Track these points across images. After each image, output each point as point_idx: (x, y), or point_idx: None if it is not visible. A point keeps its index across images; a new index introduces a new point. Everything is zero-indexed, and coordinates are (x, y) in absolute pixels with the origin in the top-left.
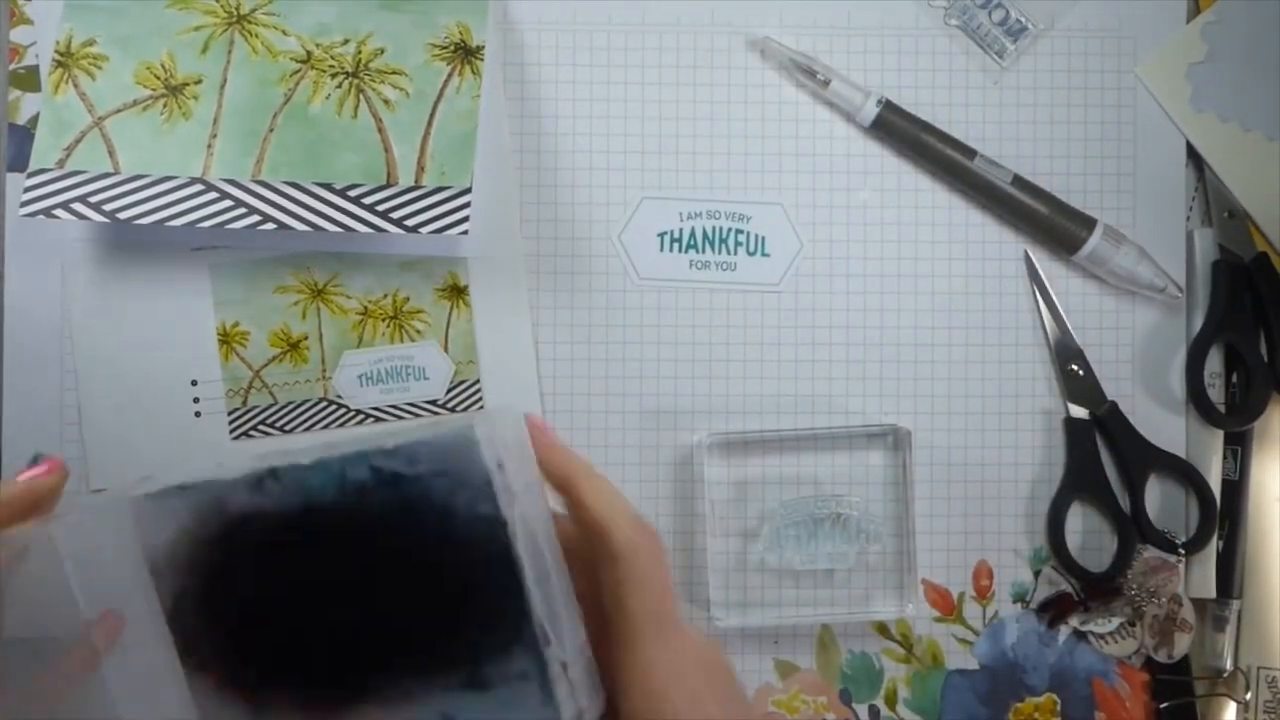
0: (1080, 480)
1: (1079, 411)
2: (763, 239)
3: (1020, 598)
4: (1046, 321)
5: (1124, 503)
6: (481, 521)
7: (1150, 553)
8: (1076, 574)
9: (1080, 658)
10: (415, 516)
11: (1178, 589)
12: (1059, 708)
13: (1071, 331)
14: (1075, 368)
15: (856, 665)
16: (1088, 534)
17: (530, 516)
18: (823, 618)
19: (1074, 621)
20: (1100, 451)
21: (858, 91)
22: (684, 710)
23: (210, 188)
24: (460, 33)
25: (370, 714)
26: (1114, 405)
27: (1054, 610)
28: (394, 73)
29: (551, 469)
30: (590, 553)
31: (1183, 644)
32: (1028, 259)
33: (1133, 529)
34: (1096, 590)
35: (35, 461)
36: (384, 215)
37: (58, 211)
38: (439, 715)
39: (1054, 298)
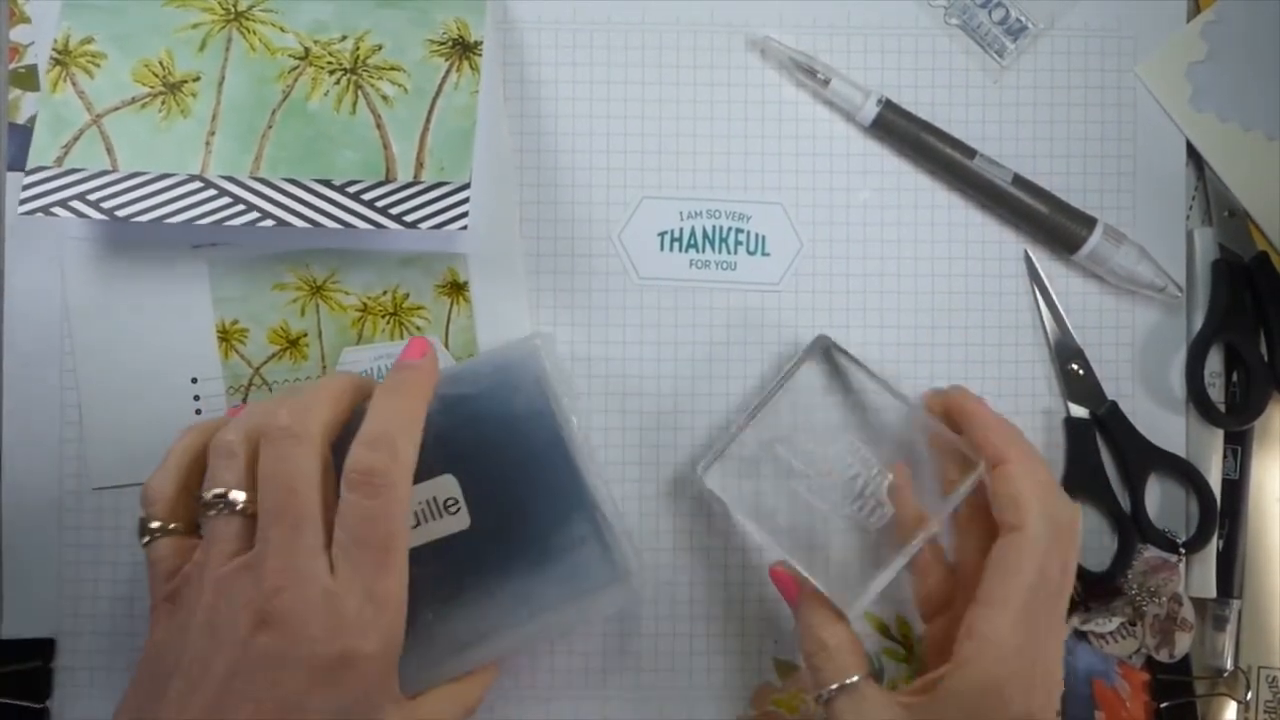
0: (1080, 480)
1: (1079, 411)
2: (763, 239)
3: None
4: (1046, 321)
5: (1124, 502)
6: (535, 415)
7: (1150, 552)
8: (1077, 574)
9: (1080, 658)
10: (481, 425)
11: (1178, 588)
12: (1059, 707)
13: (1071, 331)
14: (1075, 367)
15: None
16: (1088, 534)
17: (569, 409)
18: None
19: (1074, 621)
20: (1100, 451)
21: (858, 91)
22: (1001, 703)
23: (209, 185)
24: (458, 28)
25: (456, 616)
26: (1114, 405)
27: None
28: (392, 69)
29: (986, 441)
30: (993, 520)
31: (1184, 643)
32: (1028, 259)
33: (1133, 528)
34: (1096, 590)
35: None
36: (383, 211)
37: (56, 209)
38: (514, 597)
39: (1054, 297)
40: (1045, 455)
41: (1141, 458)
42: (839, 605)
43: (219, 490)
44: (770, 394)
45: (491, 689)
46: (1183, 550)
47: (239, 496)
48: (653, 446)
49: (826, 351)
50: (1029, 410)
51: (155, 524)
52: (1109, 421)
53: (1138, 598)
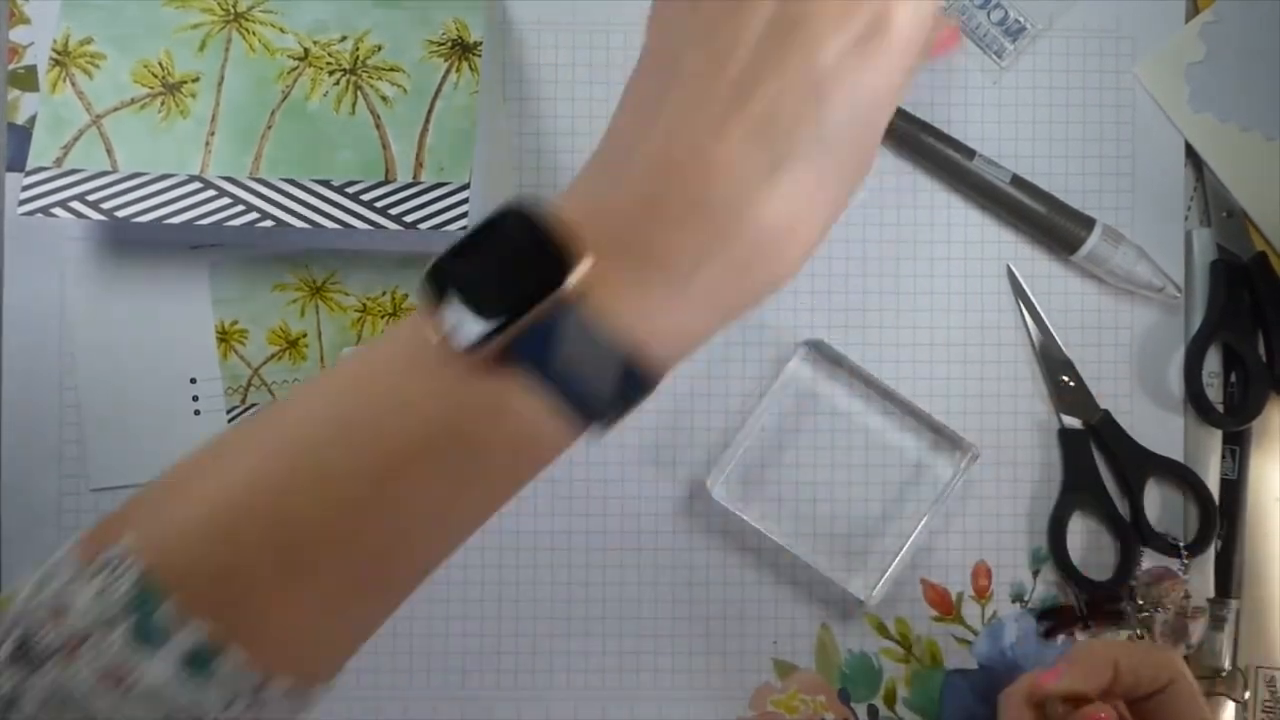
0: (1078, 489)
1: (1072, 422)
2: None
3: (1018, 597)
4: (1033, 334)
5: (1123, 509)
6: None
7: (1152, 563)
8: (1081, 584)
9: None
10: None
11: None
12: None
13: (1059, 343)
14: (1066, 379)
15: (855, 665)
16: (1089, 541)
17: None
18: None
19: (1077, 636)
20: (1097, 459)
21: None
22: None
23: (208, 185)
24: (457, 29)
25: None
26: (1107, 414)
27: (1054, 622)
28: (391, 69)
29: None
30: None
31: (1198, 630)
32: (1010, 274)
33: (1134, 535)
34: (1099, 611)
35: None
36: (382, 212)
37: (56, 210)
38: None
39: (1040, 312)
40: (1044, 456)
41: (1138, 464)
42: (859, 596)
43: None
44: (765, 400)
45: (490, 690)
46: (1184, 553)
47: None
48: (652, 447)
49: (816, 353)
50: (1027, 410)
51: None
52: (1103, 430)
53: (1143, 610)
